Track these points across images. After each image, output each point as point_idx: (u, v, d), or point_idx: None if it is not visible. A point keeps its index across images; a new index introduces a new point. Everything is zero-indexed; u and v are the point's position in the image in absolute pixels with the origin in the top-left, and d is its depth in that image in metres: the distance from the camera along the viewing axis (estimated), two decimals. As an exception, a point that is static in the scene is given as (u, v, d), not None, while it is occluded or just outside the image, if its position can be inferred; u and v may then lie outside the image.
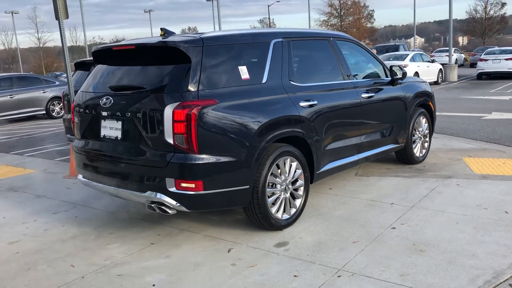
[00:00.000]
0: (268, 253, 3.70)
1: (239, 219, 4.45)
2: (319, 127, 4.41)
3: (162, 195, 3.60)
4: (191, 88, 3.53)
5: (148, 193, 3.68)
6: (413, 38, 55.18)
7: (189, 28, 67.36)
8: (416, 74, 18.60)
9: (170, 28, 4.27)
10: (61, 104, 15.05)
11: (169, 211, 3.69)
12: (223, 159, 3.62)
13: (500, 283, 3.06)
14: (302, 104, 4.24)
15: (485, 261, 3.36)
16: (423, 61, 19.94)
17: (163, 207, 3.67)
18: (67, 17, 6.44)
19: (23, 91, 14.78)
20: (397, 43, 29.49)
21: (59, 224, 4.60)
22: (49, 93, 15.23)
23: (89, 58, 7.76)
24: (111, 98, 3.86)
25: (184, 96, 3.50)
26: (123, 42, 4.20)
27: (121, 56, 4.08)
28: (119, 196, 4.09)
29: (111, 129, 3.90)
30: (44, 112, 15.26)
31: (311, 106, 4.33)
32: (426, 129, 6.36)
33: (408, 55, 19.45)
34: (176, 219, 4.51)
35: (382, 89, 5.43)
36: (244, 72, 3.90)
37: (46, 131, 12.26)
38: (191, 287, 3.22)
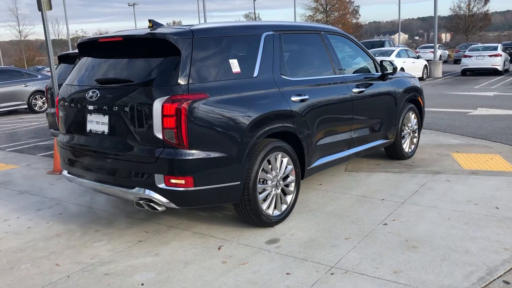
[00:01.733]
0: (260, 250, 3.62)
1: (229, 215, 4.37)
2: (310, 122, 4.35)
3: (151, 192, 3.50)
4: (181, 81, 3.43)
5: (136, 189, 3.58)
6: (397, 34, 55.50)
7: (174, 22, 66.62)
8: (402, 69, 18.66)
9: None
10: (44, 98, 14.74)
11: (158, 208, 3.59)
12: (214, 154, 3.53)
13: (494, 279, 3.04)
14: (293, 98, 4.17)
15: (478, 257, 3.34)
16: (408, 57, 20.05)
17: (151, 203, 3.57)
18: (50, 8, 6.25)
19: (3, 84, 14.42)
20: (382, 39, 29.66)
21: (43, 221, 4.47)
22: (31, 87, 14.90)
23: (72, 51, 7.55)
24: (97, 92, 3.74)
25: (173, 90, 3.40)
26: (110, 34, 4.06)
27: (108, 48, 3.95)
28: (105, 193, 3.98)
29: (97, 123, 3.78)
30: (26, 106, 14.94)
31: (302, 100, 4.26)
32: (415, 125, 6.35)
33: (393, 51, 19.54)
34: (164, 216, 4.41)
35: (373, 84, 5.39)
36: (235, 65, 3.81)
37: (28, 126, 11.99)
38: (181, 285, 3.14)
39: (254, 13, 60.55)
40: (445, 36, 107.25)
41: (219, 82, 3.65)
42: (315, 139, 4.46)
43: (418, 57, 21.25)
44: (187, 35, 3.58)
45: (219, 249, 3.68)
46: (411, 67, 19.59)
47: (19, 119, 13.80)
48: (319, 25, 5.21)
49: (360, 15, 62.10)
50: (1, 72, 15.24)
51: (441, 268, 3.21)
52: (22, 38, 60.75)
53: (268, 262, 3.41)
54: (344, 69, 5.02)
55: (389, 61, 5.63)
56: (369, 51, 20.77)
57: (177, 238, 3.92)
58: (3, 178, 6.24)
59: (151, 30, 3.75)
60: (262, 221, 3.94)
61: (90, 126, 3.85)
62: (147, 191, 3.51)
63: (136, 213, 4.50)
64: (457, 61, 31.34)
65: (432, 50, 26.23)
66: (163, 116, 3.36)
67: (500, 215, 4.10)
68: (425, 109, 9.96)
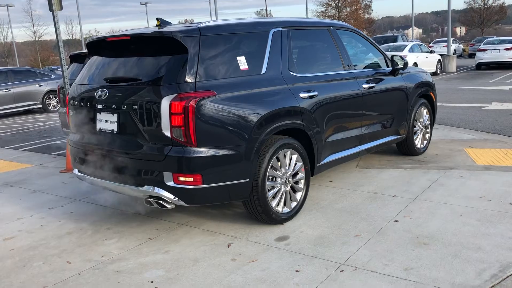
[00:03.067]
0: (269, 247, 3.62)
1: (239, 213, 4.37)
2: (319, 119, 4.32)
3: (160, 189, 3.52)
4: (189, 79, 3.43)
5: (146, 187, 3.59)
6: (411, 29, 54.94)
7: (186, 20, 66.86)
8: (415, 64, 18.47)
9: (166, 20, 4.15)
10: (57, 98, 14.91)
11: (167, 206, 3.60)
12: (222, 152, 3.52)
13: (507, 276, 2.99)
14: (302, 95, 4.15)
15: (490, 254, 3.29)
16: (421, 51, 19.83)
17: (161, 201, 3.58)
18: (61, 8, 6.30)
19: (18, 84, 14.63)
20: (395, 34, 29.37)
21: (55, 219, 4.52)
22: (45, 87, 15.08)
23: (84, 50, 7.62)
24: (106, 91, 3.76)
25: (181, 88, 3.40)
26: (118, 33, 4.08)
27: (116, 47, 3.97)
28: (115, 191, 4.00)
29: (106, 122, 3.80)
30: (40, 106, 15.13)
31: (311, 97, 4.24)
32: (427, 120, 6.27)
33: (406, 45, 19.33)
34: (174, 214, 4.42)
35: (383, 79, 5.33)
36: (242, 62, 3.79)
37: (42, 125, 12.14)
38: (190, 283, 3.15)
39: (266, 9, 60.44)
40: (460, 30, 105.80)
41: (227, 79, 3.65)
42: (324, 135, 4.43)
43: (431, 52, 21.01)
44: (194, 33, 3.57)
45: (228, 246, 3.68)
46: (425, 62, 19.37)
47: (33, 118, 13.98)
48: (328, 21, 5.17)
49: (372, 10, 61.74)
50: (16, 72, 15.43)
51: (453, 265, 3.16)
52: (37, 39, 61.51)
53: (277, 260, 3.40)
54: (354, 65, 4.98)
55: (400, 56, 5.56)
56: (382, 46, 20.47)
57: (187, 236, 3.94)
58: (17, 177, 6.33)
59: (159, 29, 3.76)
60: (272, 218, 3.93)
61: (99, 125, 3.88)
62: (156, 189, 3.53)
63: (147, 211, 4.52)
64: (472, 55, 30.89)
65: (446, 44, 25.87)
66: (171, 114, 3.36)
67: (513, 211, 4.03)
68: (438, 104, 9.83)
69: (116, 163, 3.76)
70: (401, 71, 5.61)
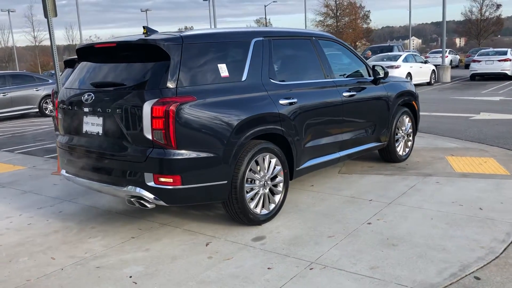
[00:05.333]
0: (245, 246, 3.78)
1: (220, 214, 4.53)
2: (299, 125, 4.50)
3: (141, 190, 3.69)
4: (170, 85, 3.62)
5: (128, 187, 3.76)
6: (409, 39, 55.38)
7: (186, 27, 67.32)
8: (409, 74, 18.75)
9: (166, 27, 4.44)
10: (52, 102, 15.09)
11: (148, 205, 3.77)
12: (201, 154, 3.70)
13: (466, 275, 3.15)
14: (281, 102, 4.33)
15: (454, 254, 3.46)
16: (416, 61, 20.07)
17: (142, 201, 3.75)
18: (55, 15, 6.50)
19: (16, 89, 14.83)
20: (391, 44, 29.68)
21: (43, 218, 4.68)
22: (42, 91, 15.28)
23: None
24: (92, 95, 3.94)
25: (162, 93, 3.58)
26: (105, 40, 4.27)
27: (103, 54, 4.16)
28: (100, 191, 4.17)
29: (92, 125, 3.98)
30: (37, 110, 15.31)
31: (291, 104, 4.42)
32: (410, 128, 6.45)
33: (400, 55, 19.58)
34: (158, 214, 4.59)
35: (365, 88, 5.52)
36: (223, 70, 3.98)
37: (38, 129, 12.31)
38: (167, 278, 3.31)
39: (265, 18, 61.00)
40: (459, 41, 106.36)
41: (207, 85, 3.83)
42: (304, 141, 4.60)
43: (425, 62, 21.25)
44: (177, 41, 3.76)
45: (206, 245, 3.85)
46: (419, 72, 19.63)
47: (29, 122, 14.15)
48: (311, 31, 5.37)
49: (371, 20, 62.08)
50: (15, 76, 15.65)
51: (417, 265, 3.33)
52: (37, 44, 61.82)
53: (252, 258, 3.57)
54: (335, 74, 5.16)
55: (381, 66, 5.75)
56: (377, 55, 20.73)
57: (168, 235, 4.10)
58: (9, 178, 6.49)
59: (145, 37, 3.95)
60: (250, 219, 4.10)
61: (86, 128, 4.05)
62: (138, 189, 3.70)
63: (132, 211, 4.69)
64: (468, 66, 31.13)
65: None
66: (152, 117, 3.54)
67: (482, 215, 4.20)
68: (427, 114, 10.03)
69: (100, 164, 3.94)
70: (383, 80, 5.81)
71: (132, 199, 3.81)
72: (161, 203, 3.73)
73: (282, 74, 4.56)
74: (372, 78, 5.69)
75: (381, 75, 5.68)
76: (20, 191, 5.74)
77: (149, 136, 3.59)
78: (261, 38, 4.40)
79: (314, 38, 5.09)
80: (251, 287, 3.14)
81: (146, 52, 3.81)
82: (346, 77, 5.49)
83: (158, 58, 3.72)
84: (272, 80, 4.34)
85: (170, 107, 3.52)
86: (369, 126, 5.59)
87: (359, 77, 5.61)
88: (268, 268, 3.38)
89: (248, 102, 4.04)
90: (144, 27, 4.22)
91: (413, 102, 6.45)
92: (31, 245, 4.01)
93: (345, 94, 5.13)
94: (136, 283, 3.26)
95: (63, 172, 4.47)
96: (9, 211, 4.97)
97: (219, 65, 3.96)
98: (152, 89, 3.61)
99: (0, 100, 14.45)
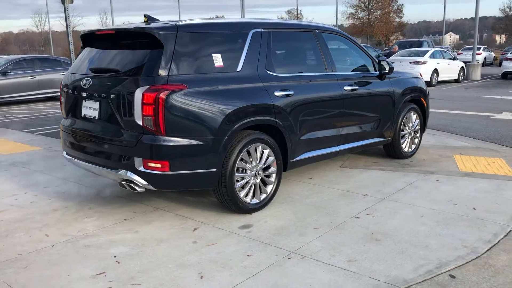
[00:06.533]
0: (231, 233, 3.86)
1: (214, 201, 4.62)
2: (294, 117, 4.52)
3: (132, 174, 3.81)
4: (162, 72, 3.71)
5: (120, 171, 3.89)
6: (446, 34, 53.93)
7: (217, 17, 67.54)
8: (435, 71, 18.36)
9: (198, 16, 4.46)
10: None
11: (138, 189, 3.89)
12: (190, 142, 3.79)
13: (441, 273, 3.15)
14: (277, 93, 4.36)
15: (434, 252, 3.45)
16: (443, 58, 19.58)
17: (132, 184, 3.88)
18: (71, 1, 6.69)
19: (43, 72, 15.26)
20: (421, 39, 29.03)
21: (46, 197, 4.88)
22: (69, 76, 15.66)
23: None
24: (90, 80, 4.08)
25: (154, 80, 3.68)
26: (106, 27, 4.40)
27: (103, 41, 4.29)
28: (96, 173, 4.32)
29: (90, 109, 4.12)
30: (63, 93, 15.72)
31: (287, 96, 4.45)
32: (417, 125, 6.38)
33: (428, 51, 19.14)
34: (155, 198, 4.72)
35: (369, 82, 5.49)
36: (218, 59, 4.04)
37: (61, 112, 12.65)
38: (149, 260, 3.43)
39: (297, 9, 60.51)
40: (500, 38, 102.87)
41: (200, 75, 3.91)
42: (300, 133, 4.63)
43: (454, 59, 20.73)
44: (172, 30, 3.85)
45: (194, 230, 3.95)
46: (446, 68, 19.18)
47: (55, 105, 14.57)
48: (314, 24, 5.36)
49: (403, 14, 60.79)
50: (42, 60, 16.08)
51: (394, 260, 3.34)
52: (71, 29, 63.23)
53: (234, 245, 3.65)
54: (337, 67, 5.14)
55: (387, 61, 5.70)
56: (403, 51, 20.29)
57: (160, 219, 4.22)
58: (24, 158, 6.75)
59: (146, 25, 4.04)
60: (239, 208, 4.17)
61: (84, 111, 4.20)
62: (128, 173, 3.82)
63: (131, 195, 4.84)
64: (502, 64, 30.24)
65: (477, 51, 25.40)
66: (143, 104, 3.65)
67: (473, 215, 4.16)
68: (446, 111, 9.85)
69: (96, 147, 4.09)
70: (389, 76, 5.75)
71: (123, 182, 3.94)
72: (150, 187, 3.84)
73: (281, 66, 4.59)
74: (378, 73, 5.64)
75: (386, 70, 5.63)
76: (31, 171, 5.99)
77: (140, 122, 3.70)
78: (259, 30, 4.44)
79: (317, 31, 5.08)
80: (227, 272, 3.22)
81: (142, 40, 3.91)
82: (350, 71, 5.46)
83: (153, 46, 3.81)
84: (269, 72, 4.38)
85: (160, 95, 3.62)
86: (372, 121, 5.56)
87: (364, 72, 5.57)
88: (248, 255, 3.46)
89: (240, 93, 4.10)
90: (145, 16, 4.33)
91: (422, 99, 6.36)
92: (30, 222, 4.20)
93: (346, 88, 5.12)
94: (118, 263, 3.39)
95: (64, 153, 4.65)
96: (16, 189, 5.19)
97: (213, 55, 4.03)
98: (145, 77, 3.71)
99: (28, 83, 14.93)
